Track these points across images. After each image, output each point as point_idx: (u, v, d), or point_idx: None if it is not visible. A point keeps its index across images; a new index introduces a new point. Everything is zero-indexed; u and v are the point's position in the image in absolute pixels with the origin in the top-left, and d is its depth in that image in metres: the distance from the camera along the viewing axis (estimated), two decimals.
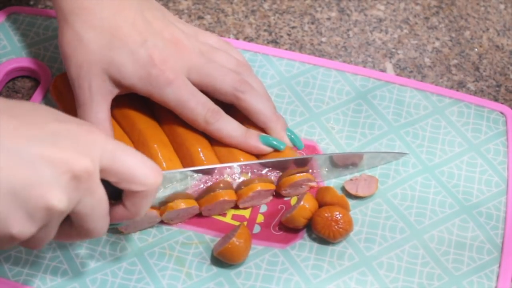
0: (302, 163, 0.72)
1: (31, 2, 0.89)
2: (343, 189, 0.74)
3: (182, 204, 0.69)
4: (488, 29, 0.90)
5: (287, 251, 0.70)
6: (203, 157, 0.71)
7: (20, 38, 0.84)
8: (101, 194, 0.58)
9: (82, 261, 0.69)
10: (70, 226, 0.60)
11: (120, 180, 0.59)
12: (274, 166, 0.72)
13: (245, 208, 0.73)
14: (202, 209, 0.71)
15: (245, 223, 0.71)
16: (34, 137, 0.55)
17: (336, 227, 0.69)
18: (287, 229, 0.71)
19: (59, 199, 0.55)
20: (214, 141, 0.73)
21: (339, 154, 0.74)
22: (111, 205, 0.61)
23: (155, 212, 0.69)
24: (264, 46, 0.84)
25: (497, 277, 0.69)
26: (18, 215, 0.54)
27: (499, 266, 0.69)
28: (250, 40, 0.86)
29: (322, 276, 0.69)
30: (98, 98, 0.70)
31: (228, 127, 0.72)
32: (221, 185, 0.70)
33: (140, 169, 0.59)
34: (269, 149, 0.72)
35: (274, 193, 0.73)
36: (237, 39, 0.86)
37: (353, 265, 0.69)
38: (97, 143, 0.57)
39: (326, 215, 0.69)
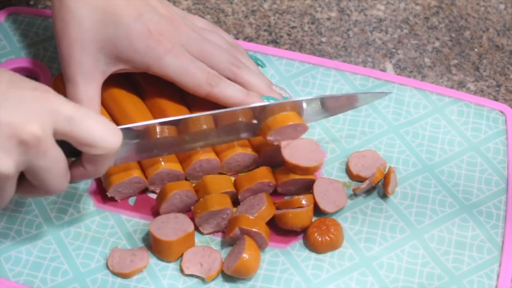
0: (285, 107, 0.72)
1: (31, 2, 0.89)
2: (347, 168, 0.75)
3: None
4: (488, 29, 0.90)
5: (288, 251, 0.70)
6: None
7: (20, 38, 0.84)
8: (56, 155, 0.59)
9: (82, 261, 0.69)
10: (31, 183, 0.61)
11: (78, 143, 0.59)
12: (256, 114, 0.71)
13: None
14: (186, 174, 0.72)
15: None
16: None
17: (331, 235, 0.69)
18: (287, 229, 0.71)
19: (4, 163, 0.56)
20: None
21: (320, 97, 0.73)
22: (71, 164, 0.62)
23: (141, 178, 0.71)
24: (264, 46, 0.84)
25: (498, 276, 0.69)
26: None
27: (500, 265, 0.69)
28: (250, 40, 0.87)
29: (323, 276, 0.68)
30: (88, 77, 0.71)
31: (230, 88, 0.72)
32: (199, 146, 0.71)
33: (99, 133, 0.59)
34: None
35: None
36: (237, 39, 0.86)
37: (353, 265, 0.69)
38: (50, 109, 0.58)
39: (318, 238, 0.69)
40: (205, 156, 0.72)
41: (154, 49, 0.70)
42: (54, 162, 0.59)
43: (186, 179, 0.72)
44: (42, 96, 0.58)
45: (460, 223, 0.72)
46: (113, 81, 0.74)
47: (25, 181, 0.60)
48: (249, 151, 0.73)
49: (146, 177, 0.71)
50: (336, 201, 0.71)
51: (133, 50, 0.70)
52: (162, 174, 0.71)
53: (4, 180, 0.57)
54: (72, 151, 0.61)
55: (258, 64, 0.78)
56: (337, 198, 0.71)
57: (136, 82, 0.76)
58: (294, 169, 0.71)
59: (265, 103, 0.71)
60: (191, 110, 0.74)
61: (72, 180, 0.63)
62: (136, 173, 0.71)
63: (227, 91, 0.72)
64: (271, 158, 0.73)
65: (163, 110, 0.73)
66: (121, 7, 0.71)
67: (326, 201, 0.71)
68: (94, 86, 0.71)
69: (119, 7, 0.70)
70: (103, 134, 0.60)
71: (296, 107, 0.72)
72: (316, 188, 0.71)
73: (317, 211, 0.71)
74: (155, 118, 0.74)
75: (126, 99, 0.74)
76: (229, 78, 0.73)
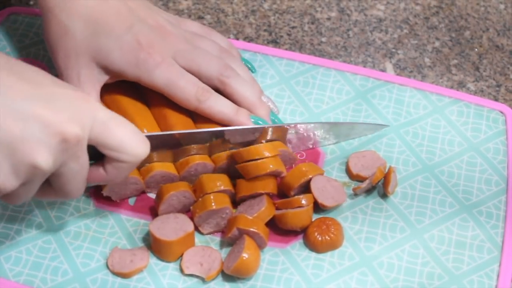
0: (272, 133, 0.73)
1: (31, 2, 0.89)
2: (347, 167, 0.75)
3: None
4: (488, 29, 0.90)
5: (288, 251, 0.70)
6: None
7: (20, 38, 0.84)
8: (85, 160, 0.60)
9: (82, 261, 0.69)
10: (49, 185, 0.61)
11: (108, 149, 0.60)
12: (244, 134, 0.72)
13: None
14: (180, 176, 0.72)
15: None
16: (30, 95, 0.56)
17: (331, 234, 0.69)
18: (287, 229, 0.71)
19: (45, 159, 0.56)
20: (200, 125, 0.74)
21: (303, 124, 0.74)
22: (90, 166, 0.62)
23: (136, 178, 0.71)
24: (264, 46, 0.84)
25: (498, 276, 0.69)
26: (3, 167, 0.55)
27: (500, 265, 0.69)
28: (250, 40, 0.87)
29: (323, 275, 0.68)
30: (87, 87, 0.71)
31: (219, 104, 0.72)
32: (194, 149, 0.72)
33: (130, 141, 0.61)
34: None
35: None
36: (237, 39, 0.86)
37: (353, 265, 0.69)
38: (90, 111, 0.59)
39: (318, 237, 0.69)
40: (201, 160, 0.72)
41: (144, 62, 0.71)
42: (82, 167, 0.60)
43: None
44: (83, 98, 0.59)
45: (460, 223, 0.72)
46: (116, 86, 0.74)
47: (45, 183, 0.60)
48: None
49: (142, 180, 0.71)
50: (334, 197, 0.71)
51: (124, 62, 0.71)
52: (157, 176, 0.71)
53: (39, 176, 0.58)
54: (92, 156, 0.61)
55: (249, 68, 0.78)
56: (335, 194, 0.71)
57: (139, 86, 0.76)
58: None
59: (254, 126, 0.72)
60: (192, 117, 0.74)
61: (88, 183, 0.63)
62: (133, 174, 0.71)
63: (216, 107, 0.72)
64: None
65: (164, 115, 0.73)
66: (112, 20, 0.71)
67: (325, 197, 0.71)
68: (93, 95, 0.72)
69: (109, 19, 0.71)
70: (133, 142, 0.61)
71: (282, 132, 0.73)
72: (314, 184, 0.71)
73: (317, 209, 0.71)
74: (157, 122, 0.74)
75: (129, 104, 0.74)
76: (217, 88, 0.73)
